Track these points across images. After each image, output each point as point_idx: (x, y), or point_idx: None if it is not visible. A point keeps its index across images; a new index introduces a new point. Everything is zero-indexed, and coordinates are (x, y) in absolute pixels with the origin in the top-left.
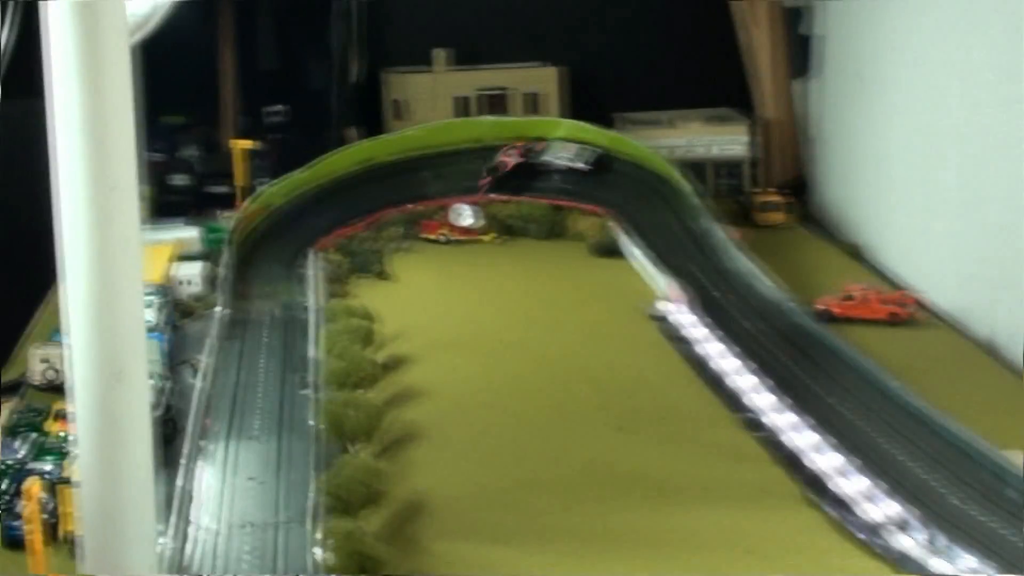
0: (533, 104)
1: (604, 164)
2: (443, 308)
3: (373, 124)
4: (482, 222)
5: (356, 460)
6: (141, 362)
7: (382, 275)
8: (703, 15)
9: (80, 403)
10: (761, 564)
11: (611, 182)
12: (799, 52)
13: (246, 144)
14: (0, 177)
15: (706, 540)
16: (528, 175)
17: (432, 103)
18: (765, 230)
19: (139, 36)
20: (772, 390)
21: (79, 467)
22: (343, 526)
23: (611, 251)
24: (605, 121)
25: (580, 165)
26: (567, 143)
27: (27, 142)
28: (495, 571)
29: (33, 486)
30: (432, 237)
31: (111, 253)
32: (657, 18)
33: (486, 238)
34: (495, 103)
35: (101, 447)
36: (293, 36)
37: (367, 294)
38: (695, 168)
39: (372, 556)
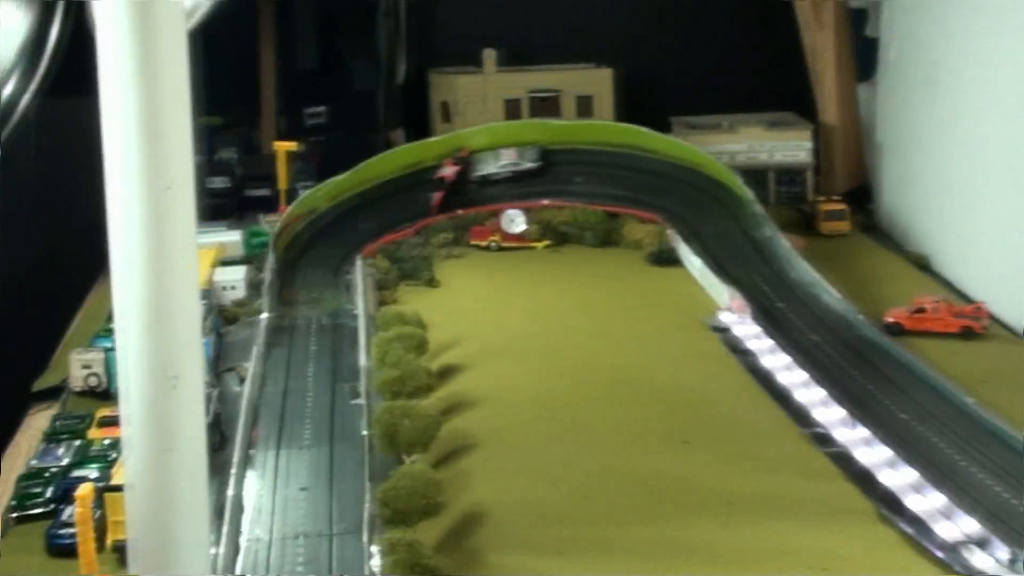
0: (586, 107)
1: (547, 157)
2: (495, 316)
3: (418, 126)
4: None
5: (414, 470)
6: (197, 367)
7: (431, 282)
8: (763, 17)
9: (133, 408)
10: None
11: (669, 189)
12: (864, 55)
13: (289, 146)
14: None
15: (778, 557)
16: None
17: (482, 105)
18: (829, 239)
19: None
20: (841, 404)
21: (131, 473)
22: (404, 537)
23: (669, 260)
24: (660, 125)
25: (529, 166)
26: (506, 149)
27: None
28: None
29: (87, 491)
30: (483, 244)
31: (166, 254)
32: (715, 19)
33: (539, 245)
34: (547, 105)
35: (155, 453)
36: (336, 36)
37: (416, 301)
38: (755, 175)
39: (433, 568)
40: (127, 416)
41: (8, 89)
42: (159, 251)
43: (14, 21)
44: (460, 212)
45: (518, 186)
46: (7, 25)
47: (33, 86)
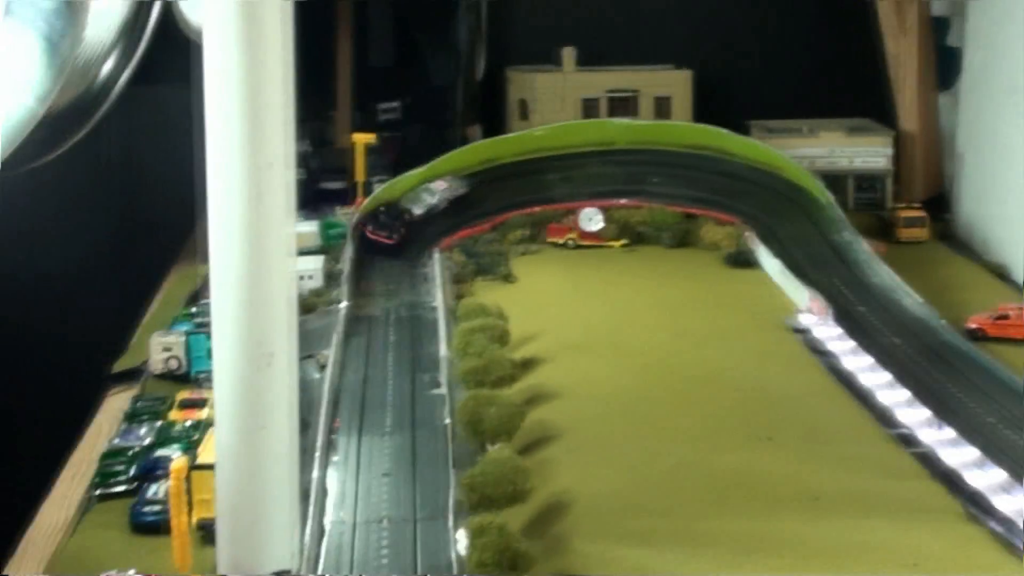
0: (663, 108)
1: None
2: (573, 312)
3: (494, 123)
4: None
5: (501, 456)
6: (292, 345)
7: (507, 278)
8: (842, 22)
9: (225, 386)
10: None
11: (747, 192)
12: (944, 65)
13: (367, 138)
14: (117, 169)
15: (867, 552)
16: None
17: (560, 104)
18: (907, 246)
19: None
20: (925, 405)
21: (221, 450)
22: (495, 521)
23: (746, 262)
24: (738, 128)
25: (461, 191)
26: (434, 182)
27: (145, 131)
28: (646, 574)
29: (181, 464)
30: (559, 241)
31: (264, 232)
32: (794, 23)
33: (615, 244)
34: (624, 106)
35: (247, 430)
36: (414, 31)
37: (492, 296)
38: (834, 180)
39: (524, 553)
40: (219, 393)
41: (105, 69)
42: (258, 228)
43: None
44: (537, 210)
45: (594, 184)
46: (104, 5)
47: (129, 69)
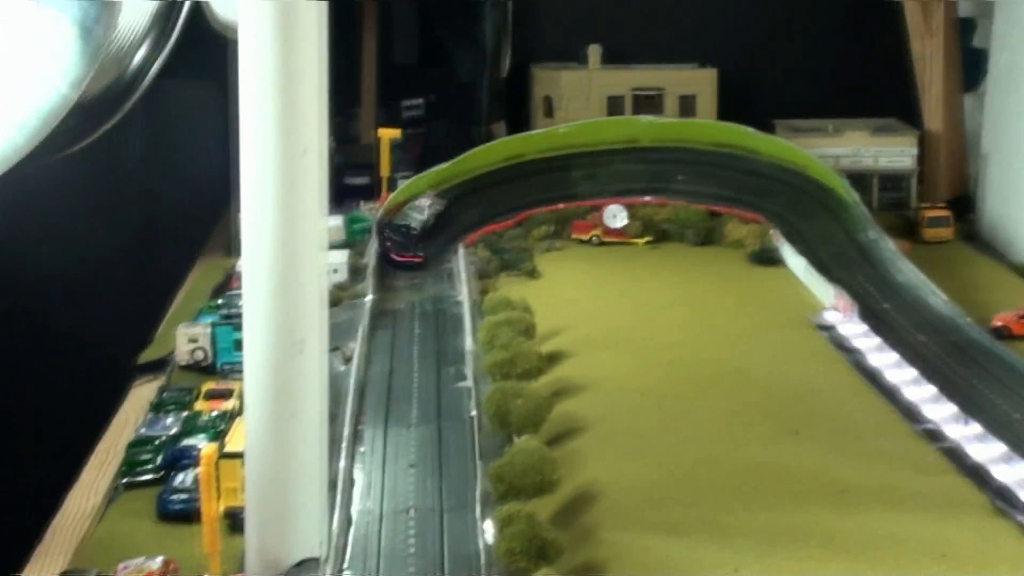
0: (688, 107)
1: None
2: (597, 308)
3: (519, 120)
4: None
5: (529, 447)
6: (322, 333)
7: (532, 273)
8: (867, 22)
9: (255, 373)
10: (955, 569)
11: (772, 190)
12: (970, 65)
13: (393, 133)
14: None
15: (895, 544)
16: None
17: (585, 101)
18: (931, 246)
19: None
20: (952, 401)
21: (250, 438)
22: (524, 510)
23: (771, 260)
24: (763, 127)
25: (440, 208)
26: (420, 199)
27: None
28: (677, 565)
29: (211, 450)
30: (584, 238)
31: (297, 219)
32: (819, 23)
33: (639, 241)
34: (650, 104)
35: (277, 418)
36: (439, 27)
37: (517, 292)
38: (859, 180)
39: (552, 542)
40: (250, 379)
41: (137, 58)
42: (290, 215)
43: None
44: (561, 206)
45: (618, 182)
46: None
47: (160, 60)
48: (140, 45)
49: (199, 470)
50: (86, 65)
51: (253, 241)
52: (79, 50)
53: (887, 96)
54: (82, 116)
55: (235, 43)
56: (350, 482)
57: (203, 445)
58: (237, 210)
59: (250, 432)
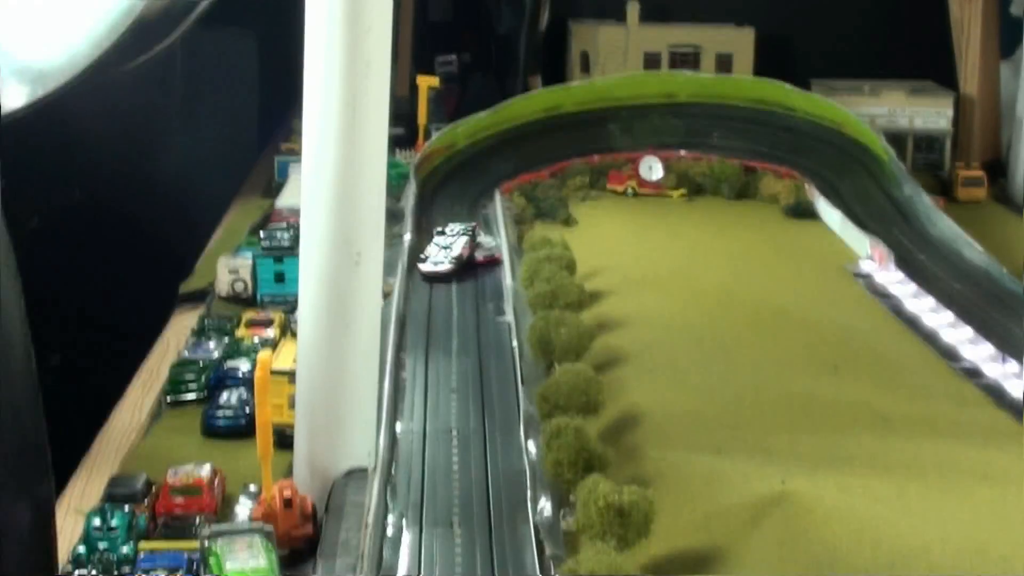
0: (725, 65)
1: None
2: (635, 253)
3: (555, 75)
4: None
5: (575, 368)
6: (379, 246)
7: (567, 221)
8: None
9: (312, 285)
10: (998, 490)
11: (808, 146)
12: (1007, 33)
13: (431, 81)
14: (183, 103)
15: (939, 465)
16: None
17: (622, 58)
18: (965, 206)
19: None
20: (990, 343)
21: (303, 348)
22: (572, 423)
23: (806, 213)
24: (800, 86)
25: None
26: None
27: (207, 72)
28: (723, 479)
29: (266, 355)
30: (619, 189)
31: (358, 132)
32: None
33: (675, 194)
34: (686, 61)
35: (330, 329)
36: None
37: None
38: (894, 140)
39: (600, 455)
40: (305, 289)
41: None
42: (352, 128)
43: None
44: (597, 159)
45: (655, 136)
46: None
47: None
48: None
49: (243, 389)
50: None
51: (314, 153)
52: None
53: (924, 58)
54: (140, 32)
55: None
56: (393, 403)
57: (246, 367)
58: (274, 152)
59: (304, 342)
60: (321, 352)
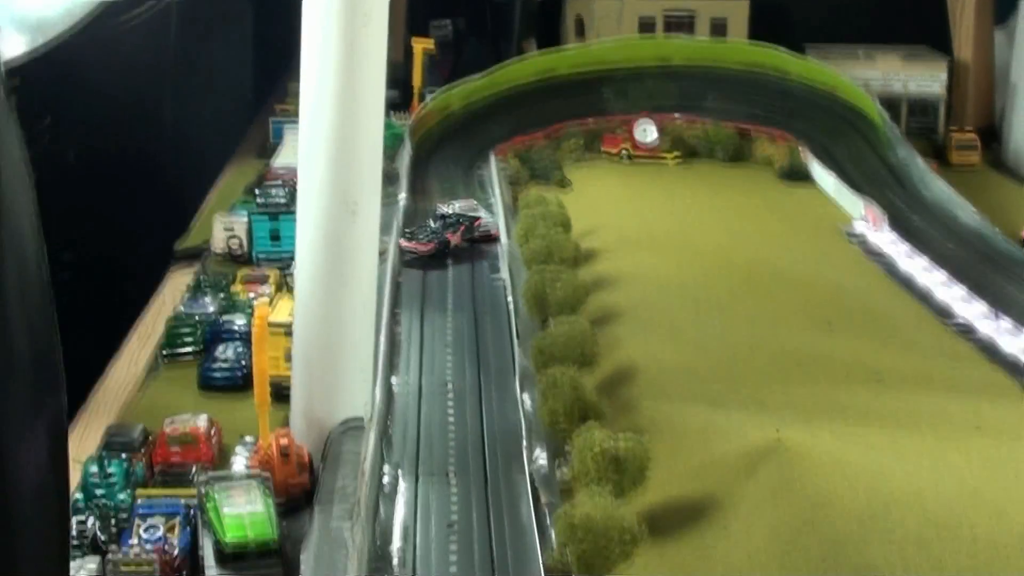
0: (720, 31)
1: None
2: (629, 214)
3: (550, 40)
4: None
5: (570, 320)
6: (375, 199)
7: (562, 183)
8: None
9: (310, 236)
10: (990, 440)
11: (802, 110)
12: (1002, 0)
13: (426, 43)
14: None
15: (932, 417)
16: None
17: (617, 23)
18: (958, 170)
19: None
20: (983, 301)
21: (300, 298)
22: (569, 373)
23: (800, 176)
24: (795, 51)
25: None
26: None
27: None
28: (718, 429)
29: (264, 307)
30: (614, 152)
31: (355, 85)
32: None
33: (669, 156)
34: (681, 27)
35: (328, 278)
36: None
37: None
38: (888, 104)
39: (595, 405)
40: (303, 239)
41: None
42: (350, 83)
43: None
44: (591, 121)
45: (649, 99)
46: None
47: None
48: None
49: (239, 344)
50: None
51: (312, 103)
52: None
53: (919, 24)
54: None
55: None
56: (389, 359)
57: (242, 322)
58: (269, 114)
59: (301, 292)
60: (319, 301)
